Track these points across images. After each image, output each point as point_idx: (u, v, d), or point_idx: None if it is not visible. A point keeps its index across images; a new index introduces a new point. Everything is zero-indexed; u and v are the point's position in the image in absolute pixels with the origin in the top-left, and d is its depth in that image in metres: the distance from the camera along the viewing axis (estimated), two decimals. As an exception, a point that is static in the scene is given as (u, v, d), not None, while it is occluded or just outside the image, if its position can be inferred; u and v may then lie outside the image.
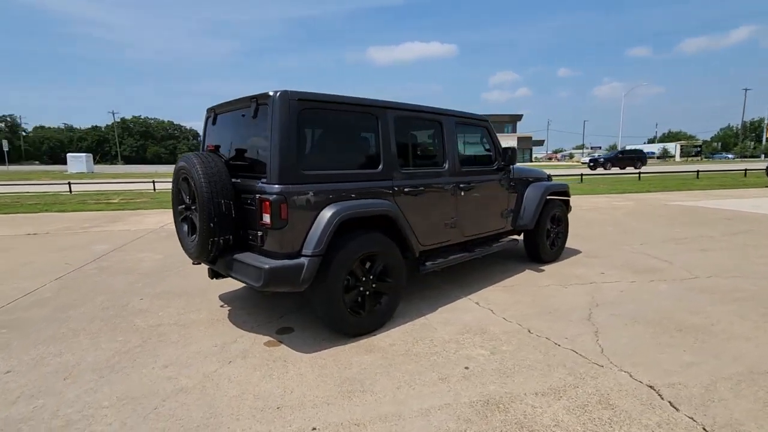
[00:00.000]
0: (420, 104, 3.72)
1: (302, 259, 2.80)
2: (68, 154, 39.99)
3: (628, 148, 49.22)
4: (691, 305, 3.71)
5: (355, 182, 3.13)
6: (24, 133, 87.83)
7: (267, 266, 2.72)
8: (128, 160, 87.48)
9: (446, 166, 3.85)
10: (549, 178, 5.59)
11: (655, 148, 70.99)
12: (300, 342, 3.10)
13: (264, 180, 2.82)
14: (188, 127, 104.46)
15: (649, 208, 10.35)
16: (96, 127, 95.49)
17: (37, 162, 79.07)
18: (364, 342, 3.09)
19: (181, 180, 3.14)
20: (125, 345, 3.09)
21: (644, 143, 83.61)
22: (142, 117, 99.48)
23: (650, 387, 2.44)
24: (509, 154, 4.41)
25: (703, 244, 6.17)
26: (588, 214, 9.32)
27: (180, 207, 3.26)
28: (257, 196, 2.81)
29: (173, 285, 4.47)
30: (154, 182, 18.44)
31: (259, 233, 2.87)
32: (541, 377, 2.57)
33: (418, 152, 3.84)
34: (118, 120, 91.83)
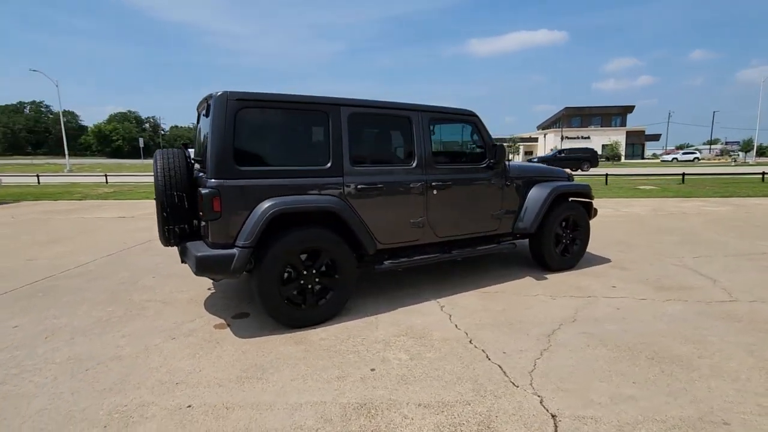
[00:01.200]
0: (385, 100, 3.65)
1: (234, 250, 2.99)
2: (190, 149, 46.18)
3: (580, 146, 41.69)
4: (692, 332, 3.11)
5: (299, 178, 3.22)
6: (163, 132, 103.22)
7: (199, 254, 2.96)
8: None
9: (414, 163, 3.73)
10: (570, 178, 5.04)
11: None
12: (245, 327, 3.30)
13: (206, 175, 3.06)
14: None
15: (748, 215, 8.66)
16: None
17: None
18: (300, 334, 3.18)
19: None
20: (110, 315, 3.59)
21: (799, 137, 69.20)
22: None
23: (553, 416, 2.15)
24: (497, 151, 4.09)
25: (784, 261, 5.04)
26: (659, 220, 8.13)
27: (155, 197, 3.66)
28: (199, 189, 3.06)
29: (184, 267, 5.00)
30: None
31: (203, 223, 3.12)
32: (440, 389, 2.41)
33: (379, 149, 3.77)
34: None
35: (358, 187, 3.43)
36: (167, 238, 3.34)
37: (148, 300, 3.95)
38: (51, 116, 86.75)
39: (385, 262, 3.63)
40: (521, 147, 69.70)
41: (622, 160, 52.07)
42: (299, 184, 3.22)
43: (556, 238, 4.69)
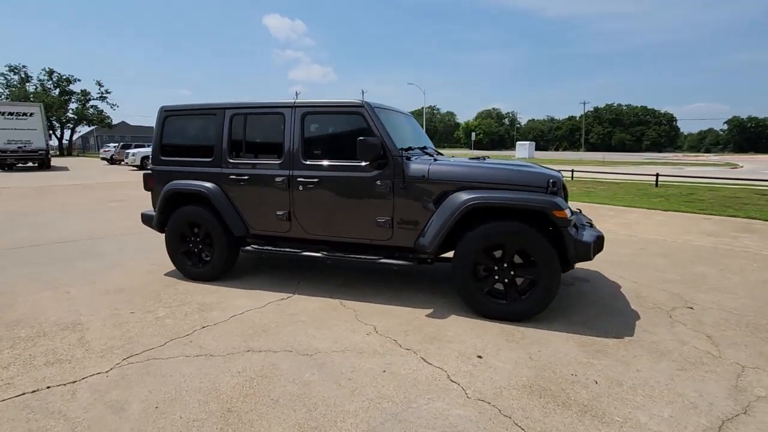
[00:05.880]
0: (265, 100, 3.97)
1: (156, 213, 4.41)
2: (517, 142, 48.37)
3: None
4: None
5: (194, 167, 4.21)
6: (518, 126, 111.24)
7: (142, 212, 4.58)
8: (592, 147, 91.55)
9: (281, 158, 3.83)
10: (549, 187, 3.21)
11: None
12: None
13: (157, 162, 4.59)
14: (662, 111, 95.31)
15: None
16: (571, 117, 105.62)
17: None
18: (184, 284, 4.14)
19: None
20: (153, 247, 5.76)
21: None
22: (614, 104, 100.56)
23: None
24: (359, 147, 3.39)
25: None
26: None
27: None
28: None
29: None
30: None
31: (155, 193, 4.67)
32: (109, 337, 3.02)
33: (253, 144, 4.00)
34: (590, 109, 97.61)
35: (230, 177, 4.03)
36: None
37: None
38: (438, 116, 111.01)
39: (251, 246, 4.05)
40: None
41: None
42: (196, 172, 4.21)
43: (486, 271, 3.31)
